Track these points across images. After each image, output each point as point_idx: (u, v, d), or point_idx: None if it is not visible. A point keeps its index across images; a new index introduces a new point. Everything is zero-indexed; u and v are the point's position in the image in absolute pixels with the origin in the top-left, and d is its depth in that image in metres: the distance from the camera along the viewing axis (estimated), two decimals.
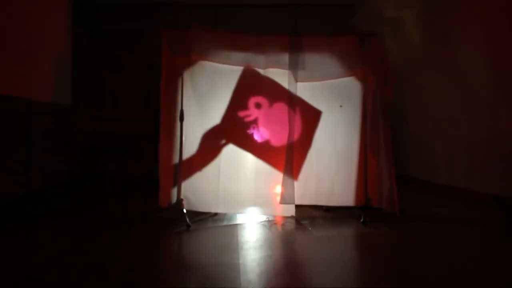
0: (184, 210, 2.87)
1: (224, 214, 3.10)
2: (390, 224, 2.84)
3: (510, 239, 2.47)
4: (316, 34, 3.26)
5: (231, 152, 3.06)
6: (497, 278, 1.81)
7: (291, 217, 2.99)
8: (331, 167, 3.13)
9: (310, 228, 2.72)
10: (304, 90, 3.10)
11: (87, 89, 5.62)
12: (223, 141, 3.10)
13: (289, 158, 2.96)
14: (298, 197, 2.96)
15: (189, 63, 2.98)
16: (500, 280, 1.80)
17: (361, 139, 3.11)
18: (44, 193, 4.00)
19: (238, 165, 3.06)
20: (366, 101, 3.09)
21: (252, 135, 3.11)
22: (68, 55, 3.77)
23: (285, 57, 3.04)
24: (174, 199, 2.95)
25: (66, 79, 3.73)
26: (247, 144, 3.10)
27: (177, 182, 2.93)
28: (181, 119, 2.94)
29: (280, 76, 3.09)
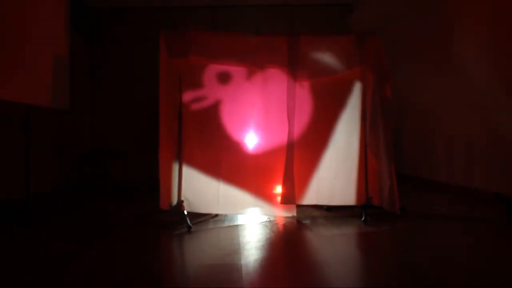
0: (185, 212, 2.86)
1: (225, 215, 3.09)
2: (391, 222, 2.84)
3: (511, 235, 2.47)
4: (314, 34, 3.27)
5: (230, 152, 3.05)
6: (501, 275, 1.81)
7: (292, 217, 2.99)
8: (332, 166, 3.13)
9: (311, 228, 2.72)
10: (303, 89, 3.11)
11: (86, 93, 5.61)
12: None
13: (289, 156, 2.89)
14: (299, 197, 2.96)
15: (187, 64, 2.98)
16: (504, 276, 1.79)
17: (361, 138, 3.11)
18: (43, 197, 3.98)
19: (238, 166, 3.06)
20: (365, 100, 3.10)
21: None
22: (66, 59, 3.76)
23: (284, 57, 3.04)
24: (174, 201, 2.95)
25: (65, 83, 3.73)
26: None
27: (178, 184, 2.92)
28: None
29: (279, 75, 3.09)
